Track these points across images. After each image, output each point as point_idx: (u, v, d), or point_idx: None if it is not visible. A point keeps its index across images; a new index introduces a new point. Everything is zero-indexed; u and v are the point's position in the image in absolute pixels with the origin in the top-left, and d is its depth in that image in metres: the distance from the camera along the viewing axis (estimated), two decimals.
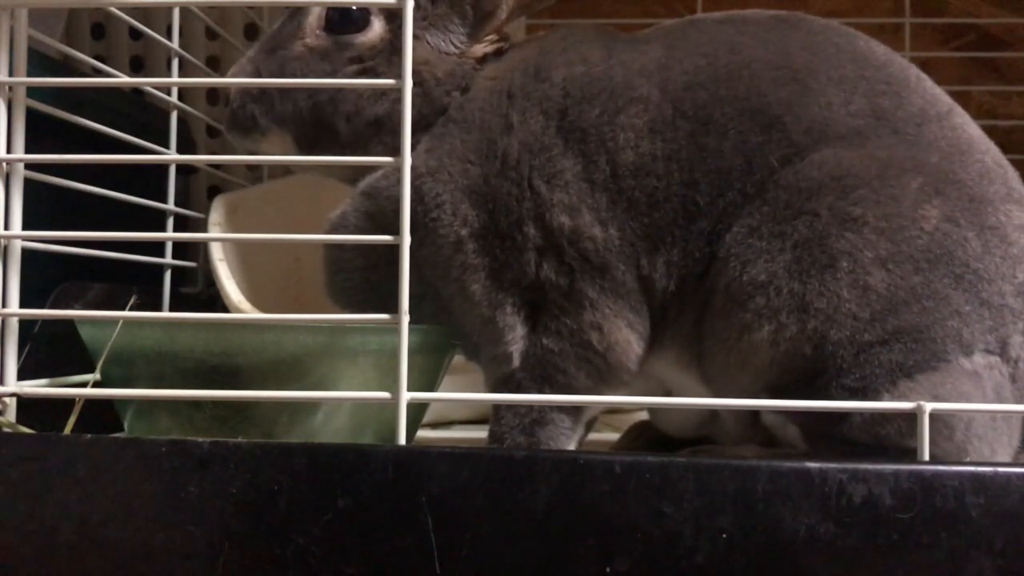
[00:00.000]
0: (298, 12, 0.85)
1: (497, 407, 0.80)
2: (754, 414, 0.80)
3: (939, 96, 0.80)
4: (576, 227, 0.77)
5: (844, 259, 0.71)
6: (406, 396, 0.61)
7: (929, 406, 0.60)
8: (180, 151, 1.07)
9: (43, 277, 0.90)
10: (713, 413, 0.87)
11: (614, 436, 1.01)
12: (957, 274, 0.70)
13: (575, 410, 0.80)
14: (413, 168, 0.77)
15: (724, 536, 0.54)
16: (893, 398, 0.68)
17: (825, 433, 0.72)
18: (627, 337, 0.78)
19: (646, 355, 0.80)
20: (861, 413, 0.69)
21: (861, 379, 0.69)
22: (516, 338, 0.79)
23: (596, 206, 0.77)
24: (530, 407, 0.78)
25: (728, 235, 0.75)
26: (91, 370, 0.75)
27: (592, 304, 0.77)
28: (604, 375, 0.79)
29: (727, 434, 0.86)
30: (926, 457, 0.60)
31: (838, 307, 0.70)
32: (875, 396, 0.69)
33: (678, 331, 0.79)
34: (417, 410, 0.86)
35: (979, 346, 0.70)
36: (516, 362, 0.79)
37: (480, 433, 0.90)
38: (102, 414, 0.78)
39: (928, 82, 0.81)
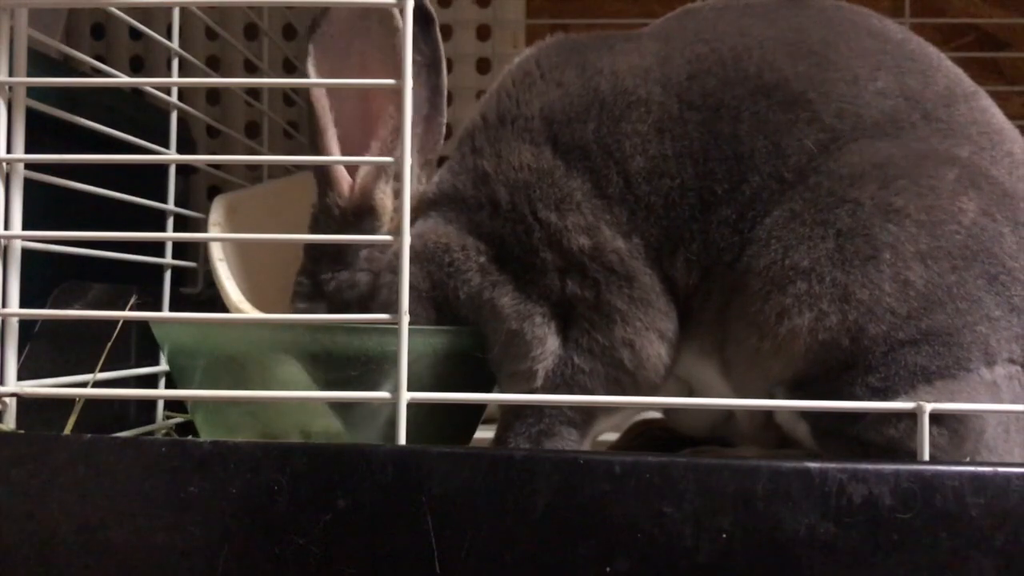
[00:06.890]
0: None
1: (505, 415, 0.80)
2: (768, 412, 0.78)
3: (961, 76, 0.79)
4: (596, 244, 0.76)
5: (887, 251, 0.69)
6: (406, 396, 0.61)
7: (929, 406, 0.60)
8: (180, 151, 1.07)
9: (43, 277, 0.90)
10: (728, 412, 0.86)
11: (614, 436, 1.01)
12: (991, 274, 0.69)
13: (584, 424, 0.78)
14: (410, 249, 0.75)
15: (724, 536, 0.54)
16: (910, 401, 0.68)
17: (836, 431, 0.71)
18: (658, 351, 0.77)
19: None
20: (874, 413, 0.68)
21: (885, 379, 0.68)
22: (545, 353, 0.78)
23: (616, 220, 0.76)
24: (539, 419, 0.77)
25: (768, 219, 0.73)
26: (91, 370, 0.75)
27: (623, 318, 0.76)
28: (628, 394, 0.78)
29: (741, 434, 0.85)
30: (926, 457, 0.59)
31: (879, 300, 0.69)
32: (893, 398, 0.68)
33: (702, 318, 0.77)
34: (470, 413, 0.85)
35: (1003, 355, 0.69)
36: (539, 381, 0.78)
37: (481, 433, 0.90)
38: (102, 414, 0.78)
39: (947, 61, 0.79)
